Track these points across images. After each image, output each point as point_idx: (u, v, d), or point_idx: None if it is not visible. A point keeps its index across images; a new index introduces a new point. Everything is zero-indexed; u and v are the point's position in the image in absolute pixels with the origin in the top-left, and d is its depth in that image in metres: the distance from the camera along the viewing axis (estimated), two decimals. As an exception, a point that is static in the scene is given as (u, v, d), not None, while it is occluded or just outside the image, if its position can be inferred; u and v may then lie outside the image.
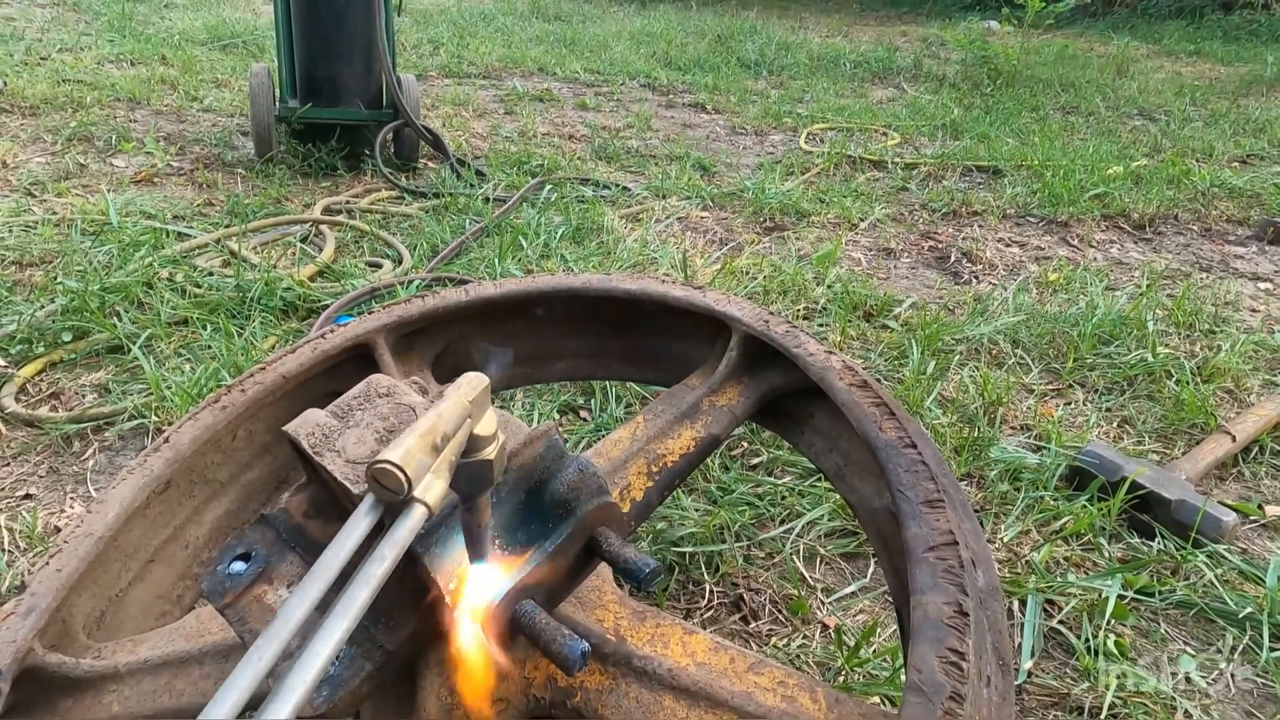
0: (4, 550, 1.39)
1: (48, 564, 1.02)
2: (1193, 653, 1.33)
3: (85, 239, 2.52)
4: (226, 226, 2.80)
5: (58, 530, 1.46)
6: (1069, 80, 6.66)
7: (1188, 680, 1.28)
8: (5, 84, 4.26)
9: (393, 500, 0.51)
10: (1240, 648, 1.34)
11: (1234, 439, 1.86)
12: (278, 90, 3.60)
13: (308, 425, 0.82)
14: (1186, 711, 1.21)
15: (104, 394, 1.86)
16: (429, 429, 0.53)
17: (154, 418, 1.73)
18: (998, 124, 5.12)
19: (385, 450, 0.51)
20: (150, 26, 6.58)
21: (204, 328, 2.07)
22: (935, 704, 0.69)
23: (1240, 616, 1.38)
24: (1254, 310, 2.74)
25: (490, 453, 0.58)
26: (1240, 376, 2.19)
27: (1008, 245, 3.26)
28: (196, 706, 0.94)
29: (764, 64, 7.07)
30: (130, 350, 1.94)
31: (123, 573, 1.13)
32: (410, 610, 0.76)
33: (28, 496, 1.55)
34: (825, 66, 7.11)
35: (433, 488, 0.52)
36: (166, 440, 1.19)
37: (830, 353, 1.09)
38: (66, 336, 1.99)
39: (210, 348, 1.97)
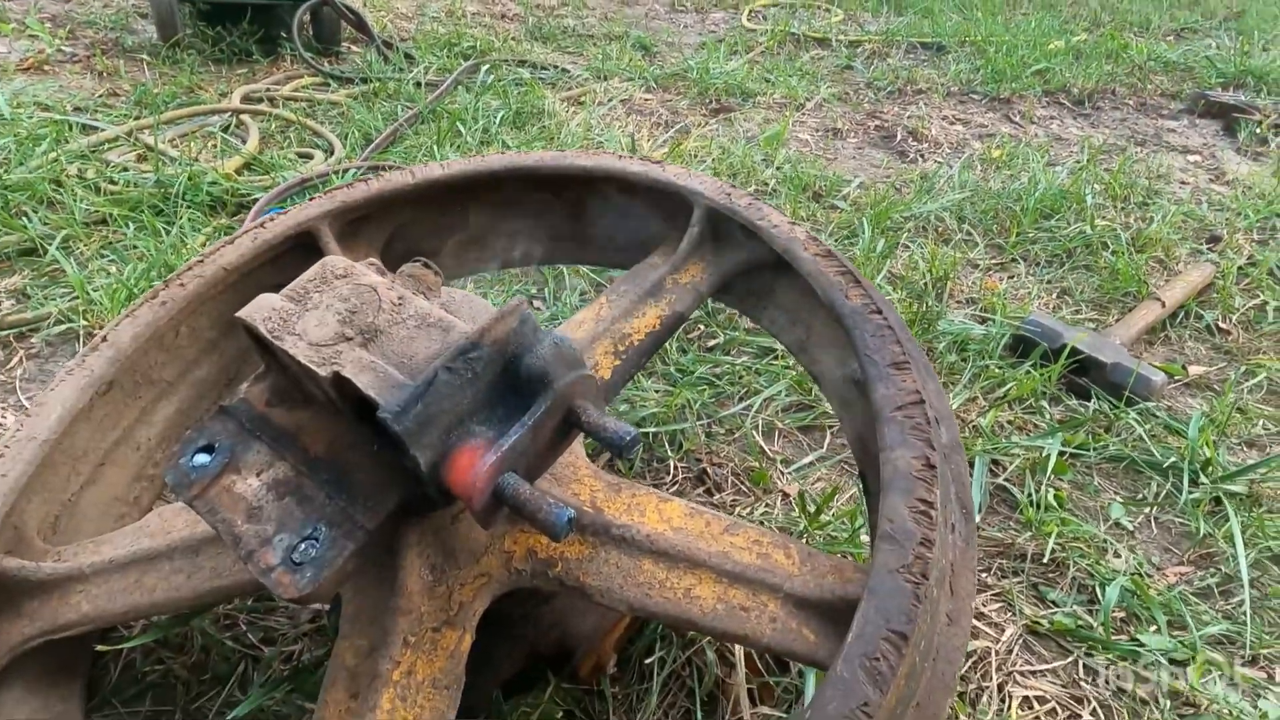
0: (-62, 463, 1.32)
1: (-8, 470, 0.98)
2: (1121, 501, 1.43)
3: (-25, 133, 2.30)
4: (136, 118, 2.59)
5: (-7, 440, 1.39)
6: (1012, -48, 6.51)
7: (1117, 525, 1.38)
8: None
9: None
10: (1163, 493, 1.44)
11: (1164, 305, 1.95)
12: (177, -35, 3.27)
13: (263, 310, 0.79)
14: (1116, 551, 1.31)
15: (23, 299, 1.75)
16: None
17: (82, 321, 1.64)
18: (941, -2, 5.02)
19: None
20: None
21: (126, 226, 1.94)
22: (907, 549, 0.72)
23: (1165, 466, 1.48)
24: (1183, 182, 2.82)
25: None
26: (1170, 246, 2.28)
27: (952, 123, 3.25)
28: (169, 601, 0.93)
29: (702, -65, 6.70)
30: (47, 252, 1.81)
31: (72, 476, 1.09)
32: (389, 489, 0.75)
33: (-46, 408, 1.47)
34: (766, -62, 6.78)
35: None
36: (105, 339, 1.13)
37: (794, 224, 1.09)
38: (-30, 239, 1.85)
39: (136, 247, 1.85)
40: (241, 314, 0.79)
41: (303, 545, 0.73)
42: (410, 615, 0.83)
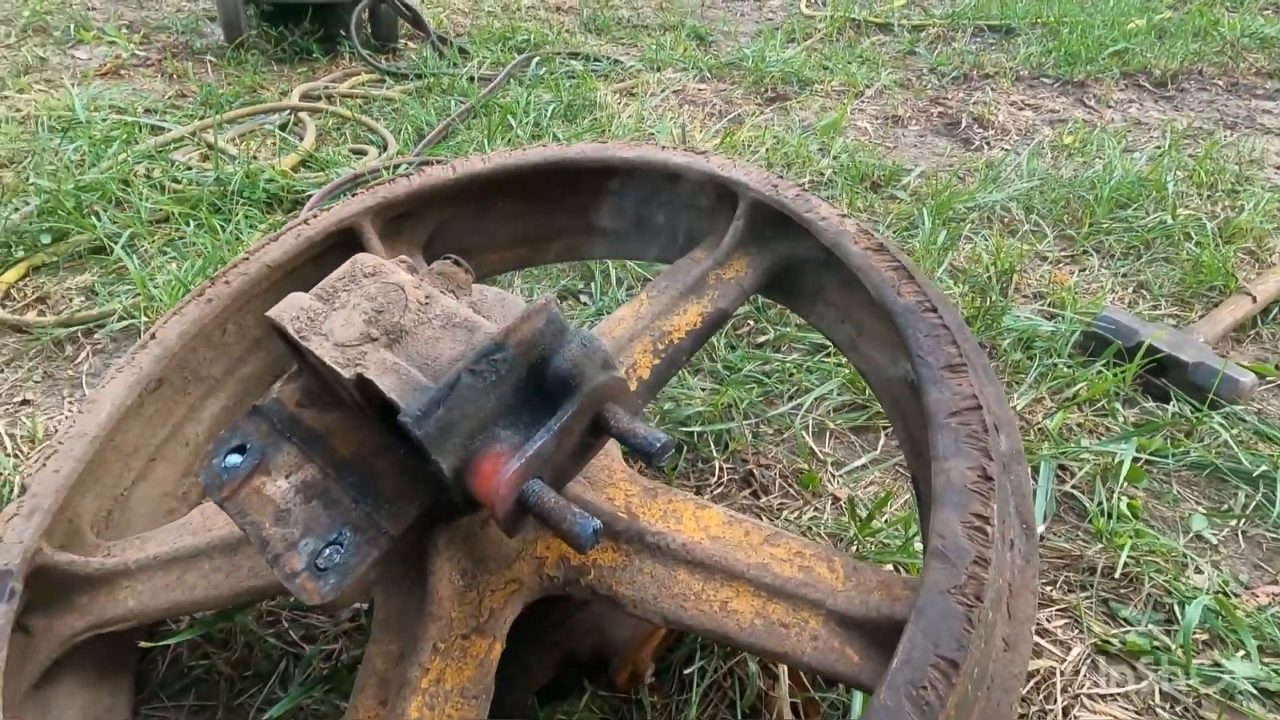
0: (8, 455, 1.38)
1: (45, 465, 1.00)
2: (1204, 512, 1.32)
3: (53, 136, 2.40)
4: (201, 118, 2.66)
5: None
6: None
7: (1198, 538, 1.28)
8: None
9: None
10: (1253, 505, 1.34)
11: (1254, 300, 1.81)
12: (242, -32, 3.35)
13: (291, 309, 0.78)
14: (1197, 567, 1.21)
15: (91, 296, 1.81)
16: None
17: (144, 318, 1.68)
18: (1012, -22, 4.80)
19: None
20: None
21: (187, 224, 1.99)
22: (959, 569, 0.67)
23: (1254, 475, 1.37)
24: (1279, 168, 2.62)
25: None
26: (1262, 236, 2.12)
27: (1021, 109, 3.10)
28: (209, 599, 0.94)
29: (761, -78, 6.58)
30: (113, 250, 1.87)
31: (124, 472, 1.12)
32: (414, 495, 0.73)
33: (25, 402, 1.52)
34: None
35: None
36: (153, 337, 1.14)
37: (843, 217, 1.03)
38: (45, 239, 1.92)
39: (195, 244, 1.90)
40: (271, 313, 0.78)
41: (327, 550, 0.72)
42: (440, 621, 0.81)
